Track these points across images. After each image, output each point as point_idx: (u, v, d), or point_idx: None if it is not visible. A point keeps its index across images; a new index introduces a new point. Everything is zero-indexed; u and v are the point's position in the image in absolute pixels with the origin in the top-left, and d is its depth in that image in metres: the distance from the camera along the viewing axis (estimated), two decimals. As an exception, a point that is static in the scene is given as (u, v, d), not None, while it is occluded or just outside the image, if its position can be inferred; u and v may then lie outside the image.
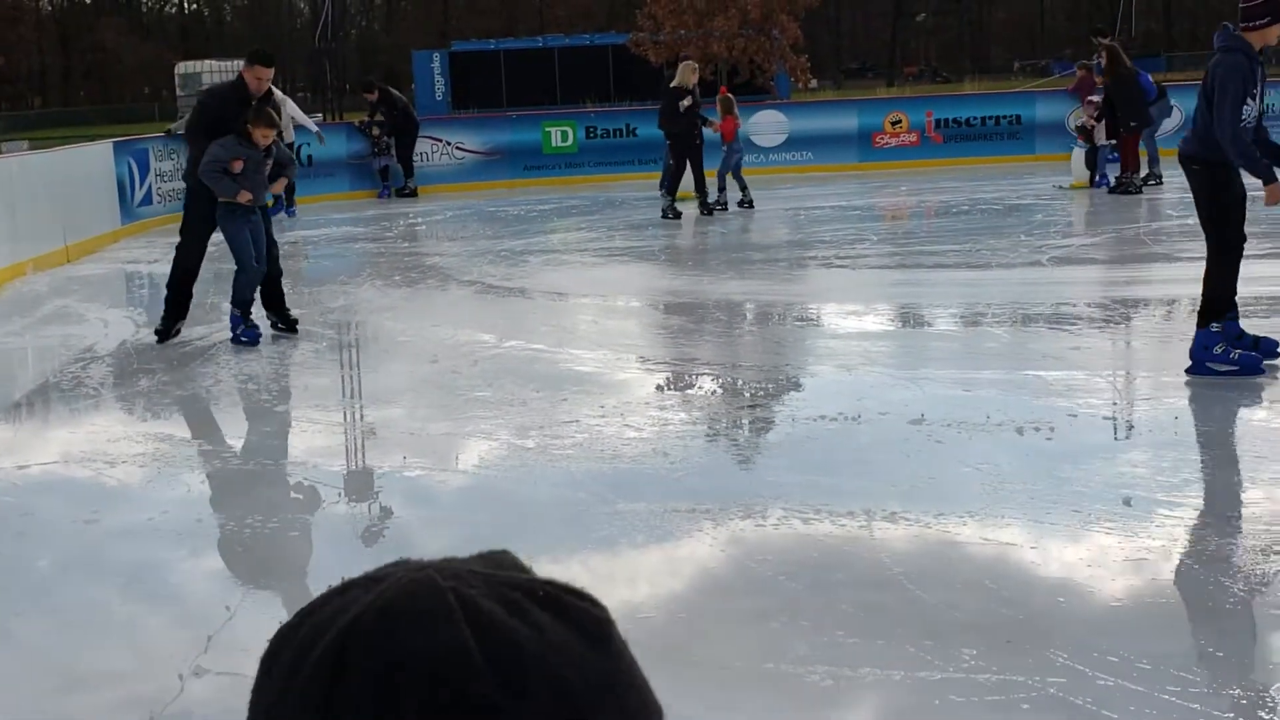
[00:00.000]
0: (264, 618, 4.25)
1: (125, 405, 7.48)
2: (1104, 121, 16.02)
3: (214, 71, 45.14)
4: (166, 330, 8.78)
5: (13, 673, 3.99)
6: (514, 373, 7.63)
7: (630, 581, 4.42)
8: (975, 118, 20.77)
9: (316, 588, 4.50)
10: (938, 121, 20.53)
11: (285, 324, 8.85)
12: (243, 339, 8.51)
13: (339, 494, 5.71)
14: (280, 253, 9.06)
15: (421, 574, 0.72)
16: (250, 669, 0.73)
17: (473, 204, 18.28)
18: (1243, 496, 4.99)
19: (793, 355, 8.27)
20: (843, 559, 4.51)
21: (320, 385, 7.66)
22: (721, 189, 16.19)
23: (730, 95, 17.28)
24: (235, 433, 6.89)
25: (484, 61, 41.45)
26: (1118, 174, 15.99)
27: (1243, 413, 6.39)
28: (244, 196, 8.14)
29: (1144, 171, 16.20)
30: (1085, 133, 16.66)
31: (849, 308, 9.83)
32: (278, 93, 9.58)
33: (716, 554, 4.60)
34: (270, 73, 8.54)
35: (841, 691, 3.50)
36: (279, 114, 8.77)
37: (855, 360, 7.72)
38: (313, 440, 6.47)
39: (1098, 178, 16.44)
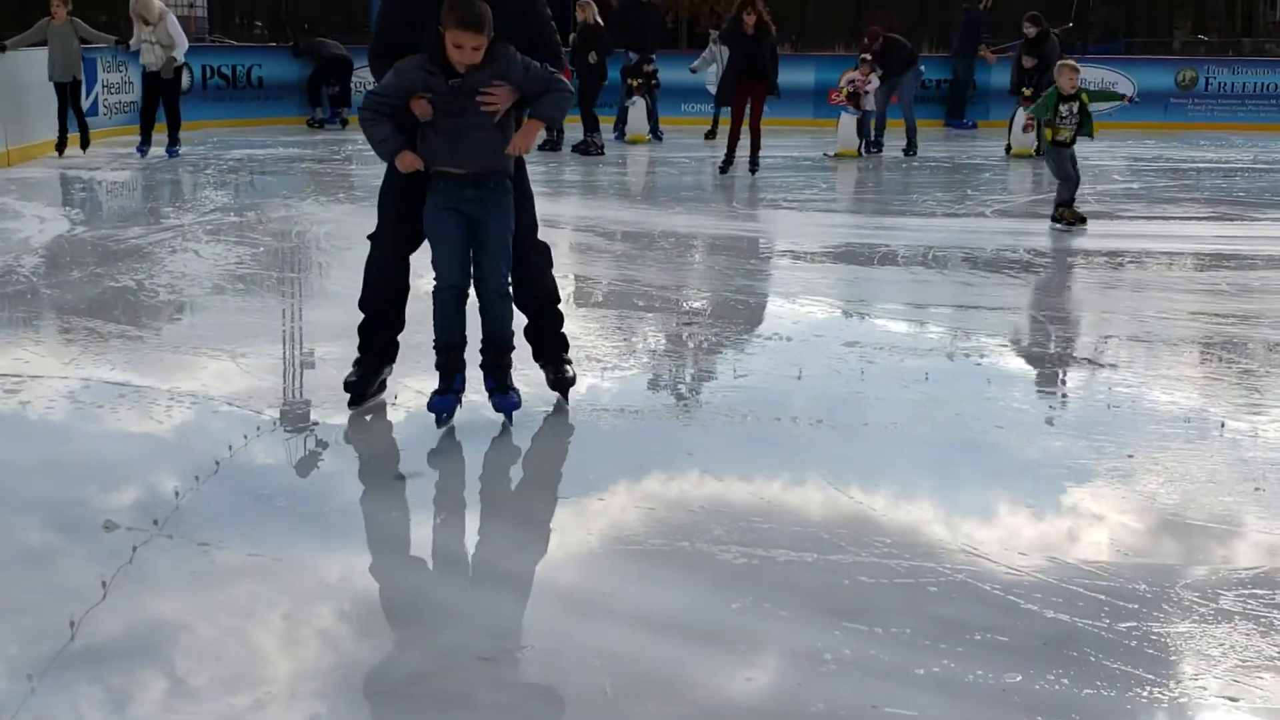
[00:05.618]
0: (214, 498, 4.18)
1: (56, 294, 7.38)
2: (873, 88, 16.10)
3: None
4: (358, 386, 5.11)
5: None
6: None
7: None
8: (929, 80, 20.82)
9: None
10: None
11: (556, 384, 5.20)
12: (431, 407, 4.85)
13: (262, 374, 5.67)
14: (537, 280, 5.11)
15: None
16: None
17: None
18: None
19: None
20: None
21: (256, 276, 7.56)
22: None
23: None
24: (161, 320, 6.79)
25: None
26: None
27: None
28: (406, 161, 4.58)
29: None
30: (854, 99, 16.24)
31: (792, 241, 9.85)
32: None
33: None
34: None
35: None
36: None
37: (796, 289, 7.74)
38: (243, 324, 6.39)
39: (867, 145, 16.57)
